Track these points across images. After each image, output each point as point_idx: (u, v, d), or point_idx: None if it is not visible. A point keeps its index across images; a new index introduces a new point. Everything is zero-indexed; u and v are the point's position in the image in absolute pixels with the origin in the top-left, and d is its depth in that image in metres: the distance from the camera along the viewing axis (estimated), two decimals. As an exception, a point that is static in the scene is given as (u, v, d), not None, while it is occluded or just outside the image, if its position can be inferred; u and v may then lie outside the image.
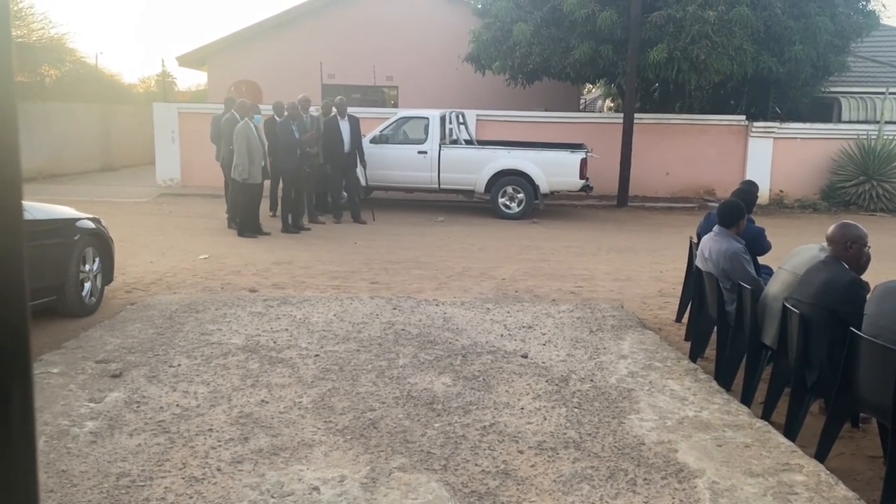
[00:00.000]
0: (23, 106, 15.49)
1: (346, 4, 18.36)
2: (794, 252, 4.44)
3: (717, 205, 5.37)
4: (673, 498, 3.07)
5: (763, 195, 13.06)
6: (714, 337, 5.21)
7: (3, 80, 0.70)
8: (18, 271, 0.67)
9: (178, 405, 3.99)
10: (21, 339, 0.68)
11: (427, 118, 12.42)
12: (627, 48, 13.45)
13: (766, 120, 15.35)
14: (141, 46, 62.49)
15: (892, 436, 3.18)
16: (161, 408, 3.95)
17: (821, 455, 3.55)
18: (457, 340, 5.25)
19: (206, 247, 9.08)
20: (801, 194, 14.54)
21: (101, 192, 14.18)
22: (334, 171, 11.23)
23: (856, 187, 13.98)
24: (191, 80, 44.74)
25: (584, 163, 11.96)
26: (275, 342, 5.12)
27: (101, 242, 6.29)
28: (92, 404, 3.97)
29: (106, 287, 6.44)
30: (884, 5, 14.83)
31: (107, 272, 6.39)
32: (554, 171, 12.05)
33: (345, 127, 11.17)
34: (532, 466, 3.36)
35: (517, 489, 3.14)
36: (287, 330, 5.42)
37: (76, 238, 5.86)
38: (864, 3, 14.51)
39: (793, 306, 3.94)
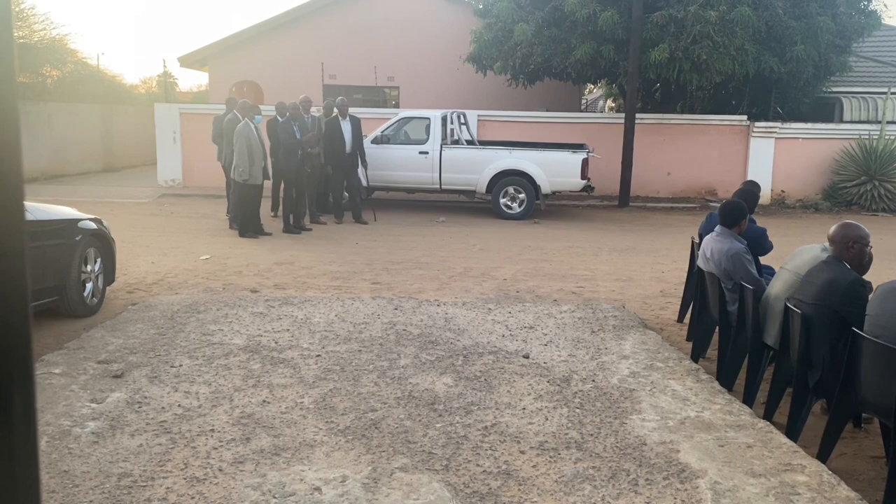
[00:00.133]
0: (24, 107, 15.52)
1: (348, 5, 18.37)
2: (796, 252, 4.43)
3: (718, 205, 5.37)
4: (675, 498, 3.07)
5: (765, 195, 13.05)
6: (716, 337, 5.20)
7: (5, 81, 0.70)
8: (20, 272, 0.68)
9: (179, 405, 3.99)
10: (23, 339, 0.68)
11: (428, 118, 12.42)
12: (629, 48, 13.45)
13: (767, 120, 15.33)
14: (142, 47, 62.53)
15: (894, 436, 3.17)
16: (163, 408, 3.95)
17: (823, 455, 3.55)
18: (458, 341, 5.25)
19: (208, 247, 9.09)
20: (803, 194, 14.53)
21: (103, 192, 14.19)
22: (335, 172, 11.24)
23: (857, 187, 13.97)
24: (192, 80, 44.81)
25: (585, 163, 11.96)
26: (276, 342, 5.12)
27: (102, 243, 6.30)
28: (94, 405, 3.98)
29: (107, 287, 6.45)
30: (885, 5, 14.81)
31: (108, 273, 6.40)
32: (555, 171, 12.05)
33: (346, 127, 11.17)
34: (534, 467, 3.35)
35: (519, 489, 3.14)
36: (288, 330, 5.42)
37: (78, 239, 5.87)
38: (866, 2, 14.49)
39: (795, 306, 3.93)
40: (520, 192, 12.16)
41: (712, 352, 5.30)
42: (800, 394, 3.88)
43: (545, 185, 12.07)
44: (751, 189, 6.09)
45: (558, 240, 10.38)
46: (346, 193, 11.51)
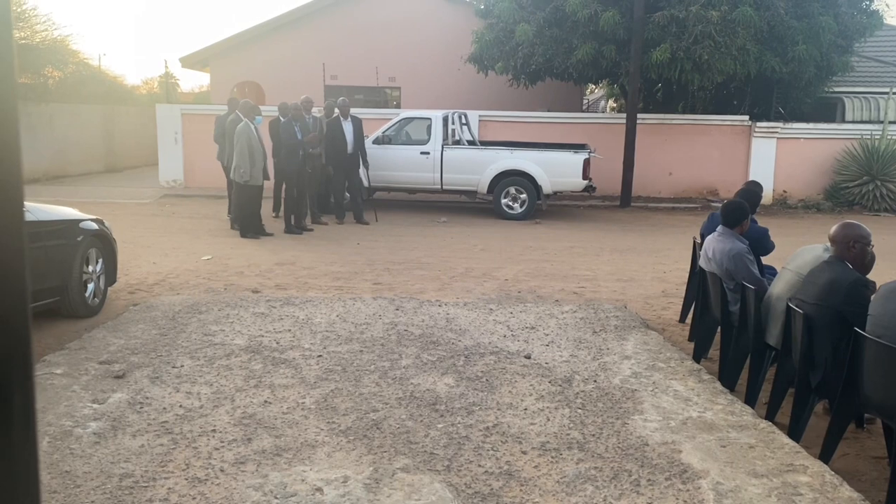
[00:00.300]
0: (26, 108, 15.54)
1: (349, 6, 18.38)
2: (798, 252, 4.43)
3: (720, 205, 5.36)
4: (677, 499, 3.06)
5: (766, 195, 13.03)
6: (718, 337, 5.19)
7: (5, 82, 0.69)
8: (20, 272, 0.67)
9: (181, 406, 3.99)
10: (22, 340, 0.68)
11: (430, 119, 12.42)
12: (630, 48, 13.44)
13: (769, 120, 15.32)
14: (143, 48, 62.60)
15: (896, 436, 3.17)
16: (164, 409, 3.95)
17: (825, 456, 3.54)
18: (460, 341, 5.24)
19: (209, 248, 9.09)
20: (805, 194, 14.51)
21: (105, 193, 14.21)
22: (337, 172, 11.24)
23: (859, 187, 13.95)
24: (194, 81, 44.82)
25: (586, 163, 11.96)
26: (278, 343, 5.12)
27: (104, 243, 6.30)
28: (95, 405, 3.98)
29: (109, 288, 6.45)
30: (887, 5, 14.80)
31: (110, 273, 6.40)
32: (557, 171, 12.04)
33: (348, 128, 11.17)
34: (535, 467, 3.35)
35: (520, 490, 3.14)
36: (290, 331, 5.42)
37: (79, 239, 5.87)
38: (868, 2, 14.47)
39: (797, 307, 3.93)
40: (521, 193, 12.16)
41: (714, 352, 5.29)
42: (802, 394, 3.87)
43: (546, 186, 12.07)
44: (753, 189, 6.08)
45: (560, 240, 10.38)
46: (347, 194, 11.51)
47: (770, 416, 4.09)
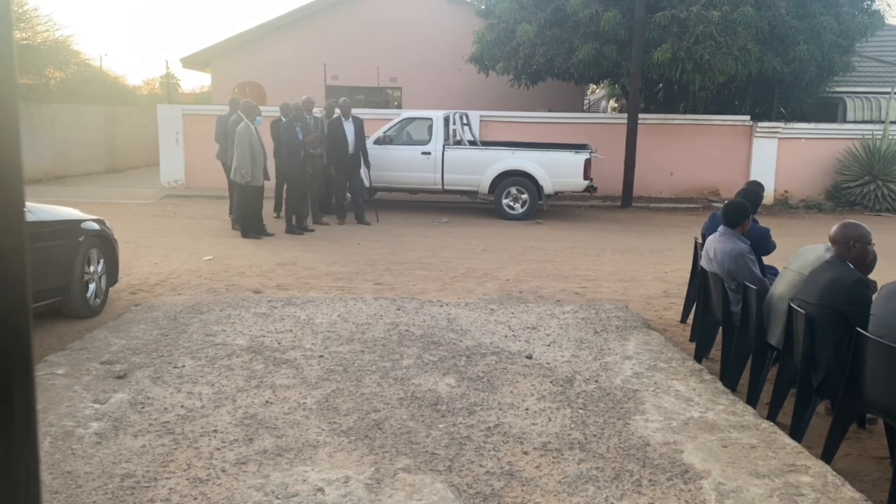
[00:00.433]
0: (28, 108, 15.55)
1: (350, 6, 18.38)
2: (800, 252, 4.42)
3: (721, 205, 5.36)
4: (678, 499, 3.06)
5: (768, 195, 13.02)
6: (719, 337, 5.19)
7: (6, 82, 0.69)
8: (20, 273, 0.67)
9: (182, 406, 3.99)
10: (23, 340, 0.68)
11: (431, 119, 12.42)
12: (631, 48, 13.43)
13: (770, 120, 15.31)
14: (145, 49, 62.66)
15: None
16: (165, 409, 3.95)
17: (827, 456, 3.53)
18: (461, 341, 5.24)
19: (211, 248, 9.10)
20: (806, 194, 14.50)
21: (106, 193, 14.21)
22: (338, 173, 11.24)
23: (861, 187, 13.94)
24: (195, 81, 44.83)
25: (587, 163, 11.95)
26: (279, 343, 5.12)
27: (105, 244, 6.30)
28: (97, 405, 3.98)
29: (110, 288, 6.45)
30: (889, 5, 14.89)
31: (111, 273, 6.40)
32: (558, 171, 12.04)
33: (349, 128, 11.18)
34: (537, 467, 3.35)
35: (522, 490, 3.13)
36: (291, 331, 5.42)
37: (81, 239, 5.87)
38: (869, 2, 14.46)
39: (798, 307, 3.92)
40: (522, 193, 12.16)
41: (716, 352, 5.29)
42: (804, 394, 3.87)
43: (548, 186, 12.07)
44: (754, 189, 6.08)
45: (561, 240, 10.37)
46: (348, 194, 11.51)
47: (772, 417, 4.09)
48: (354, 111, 11.60)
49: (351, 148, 11.15)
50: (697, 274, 5.71)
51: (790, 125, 14.70)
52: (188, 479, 3.18)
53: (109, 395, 4.11)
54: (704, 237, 5.76)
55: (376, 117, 13.89)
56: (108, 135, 19.31)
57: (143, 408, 3.96)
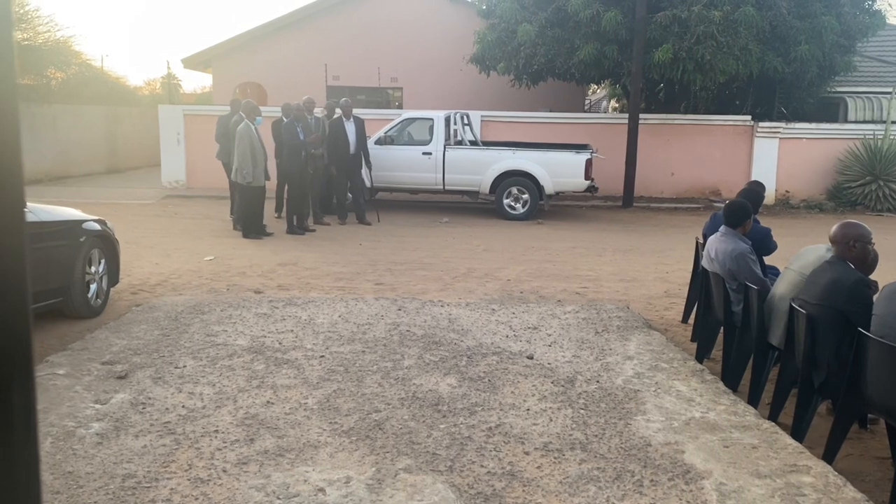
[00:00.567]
0: (29, 108, 15.56)
1: (351, 6, 18.39)
2: (801, 252, 4.42)
3: (722, 205, 5.36)
4: (680, 499, 3.06)
5: (769, 195, 13.00)
6: (720, 338, 5.18)
7: (6, 82, 0.69)
8: (20, 273, 0.67)
9: (183, 406, 3.99)
10: (23, 340, 0.68)
11: (432, 119, 12.42)
12: (632, 49, 13.43)
13: (771, 120, 15.30)
14: (146, 49, 62.70)
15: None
16: (167, 409, 3.95)
17: (829, 456, 3.53)
18: (462, 341, 5.24)
19: (212, 248, 9.10)
20: (807, 194, 14.49)
21: (107, 193, 14.22)
22: (339, 173, 11.24)
23: (862, 187, 13.93)
24: (196, 82, 44.86)
25: (588, 163, 11.95)
26: (280, 343, 5.12)
27: (106, 244, 6.30)
28: (98, 405, 3.98)
29: (112, 289, 6.45)
30: (890, 4, 14.95)
31: (112, 274, 6.40)
32: (559, 171, 12.04)
33: (350, 128, 11.18)
34: (538, 468, 3.35)
35: (523, 490, 3.13)
36: (292, 331, 5.42)
37: (82, 240, 5.88)
38: (870, 2, 14.46)
39: (799, 307, 3.92)
40: (523, 193, 12.16)
41: (717, 352, 5.28)
42: (805, 394, 3.87)
43: (549, 186, 12.07)
44: (755, 189, 6.07)
45: (562, 240, 10.37)
46: (349, 194, 11.51)
47: (773, 417, 4.08)
48: (355, 111, 11.60)
49: (352, 148, 11.16)
50: (699, 274, 5.70)
51: (791, 125, 14.69)
52: (189, 480, 3.18)
53: (110, 396, 4.12)
54: (705, 237, 5.76)
55: (377, 117, 13.89)
56: (110, 135, 19.32)
57: (144, 408, 3.96)
